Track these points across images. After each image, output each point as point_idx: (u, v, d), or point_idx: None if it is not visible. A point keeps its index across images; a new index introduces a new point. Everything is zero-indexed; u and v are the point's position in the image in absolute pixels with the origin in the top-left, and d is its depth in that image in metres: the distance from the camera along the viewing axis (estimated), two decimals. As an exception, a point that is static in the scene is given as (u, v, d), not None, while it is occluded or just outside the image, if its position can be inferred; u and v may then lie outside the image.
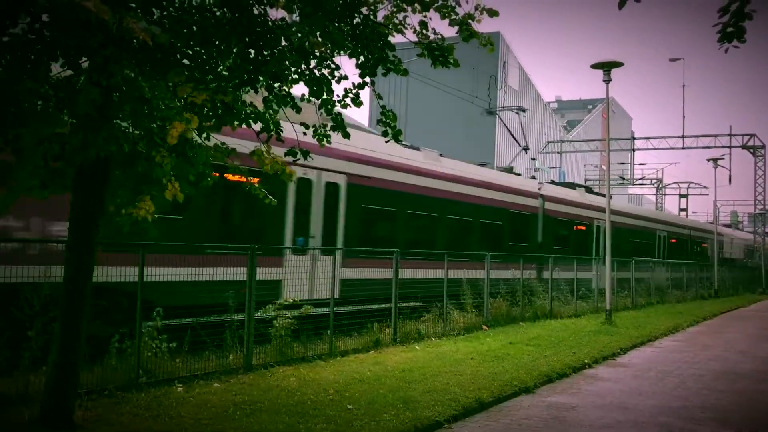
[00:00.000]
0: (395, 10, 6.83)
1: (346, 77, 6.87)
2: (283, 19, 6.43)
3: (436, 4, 6.54)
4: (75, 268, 6.40)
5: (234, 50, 5.95)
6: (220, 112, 6.13)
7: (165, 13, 5.72)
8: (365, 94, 7.27)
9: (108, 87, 4.94)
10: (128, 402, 7.73)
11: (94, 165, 5.82)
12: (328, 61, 6.65)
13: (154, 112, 5.14)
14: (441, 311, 15.21)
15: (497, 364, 11.25)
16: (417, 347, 12.77)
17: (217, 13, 5.94)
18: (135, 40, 4.33)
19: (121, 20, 4.10)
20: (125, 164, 5.92)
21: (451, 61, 6.82)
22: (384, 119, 7.24)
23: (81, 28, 4.46)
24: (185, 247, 10.66)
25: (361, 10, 6.60)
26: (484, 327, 16.04)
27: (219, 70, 6.11)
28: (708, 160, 39.57)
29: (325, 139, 7.55)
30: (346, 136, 7.32)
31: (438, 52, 6.77)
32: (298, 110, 7.10)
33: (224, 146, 7.18)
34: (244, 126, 7.00)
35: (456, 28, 6.75)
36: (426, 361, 11.26)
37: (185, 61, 5.83)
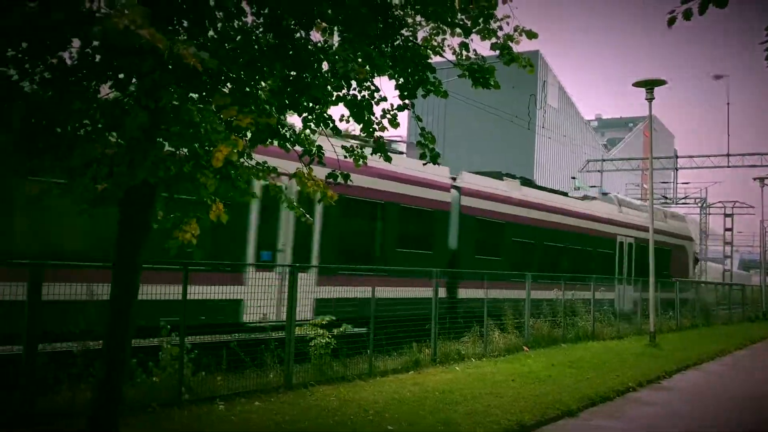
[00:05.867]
0: (434, 32, 6.85)
1: (385, 99, 6.87)
2: (326, 41, 6.50)
3: (477, 27, 6.54)
4: (121, 287, 6.51)
5: (275, 73, 6.02)
6: (264, 135, 6.20)
7: (210, 35, 5.84)
8: (402, 114, 7.21)
9: (156, 110, 5.05)
10: (171, 419, 7.83)
11: (141, 187, 5.93)
12: (368, 83, 6.68)
13: (200, 135, 5.22)
14: (481, 332, 15.08)
15: (539, 386, 11.10)
16: (457, 368, 12.68)
17: (261, 38, 6.04)
18: (184, 65, 4.41)
19: (171, 46, 4.20)
20: (170, 185, 6.02)
21: (492, 82, 6.79)
22: (423, 141, 7.22)
23: (132, 53, 4.58)
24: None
25: (402, 32, 6.63)
26: (525, 348, 15.85)
27: (261, 93, 6.19)
28: (754, 179, 38.75)
29: (361, 160, 7.54)
30: (388, 159, 7.29)
31: (479, 74, 6.75)
32: (338, 132, 7.12)
33: (266, 165, 7.24)
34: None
35: (495, 49, 6.73)
36: (466, 382, 11.16)
37: (229, 85, 5.93)
